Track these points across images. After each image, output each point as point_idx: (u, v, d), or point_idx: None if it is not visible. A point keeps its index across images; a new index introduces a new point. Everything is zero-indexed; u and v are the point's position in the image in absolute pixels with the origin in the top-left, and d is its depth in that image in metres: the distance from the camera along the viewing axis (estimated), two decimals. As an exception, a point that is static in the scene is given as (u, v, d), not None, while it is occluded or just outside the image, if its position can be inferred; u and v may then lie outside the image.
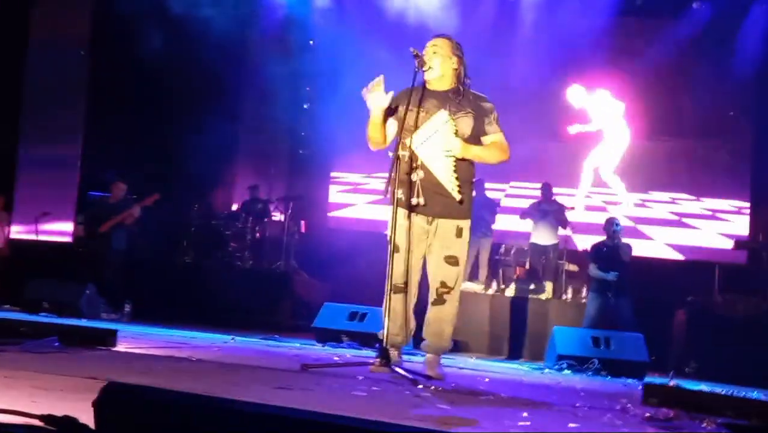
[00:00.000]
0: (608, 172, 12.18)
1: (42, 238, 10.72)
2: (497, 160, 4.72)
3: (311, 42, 12.53)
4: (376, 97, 4.54)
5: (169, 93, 11.70)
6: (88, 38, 12.25)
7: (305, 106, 12.59)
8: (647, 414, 3.53)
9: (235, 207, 12.41)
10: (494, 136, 4.66)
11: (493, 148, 4.66)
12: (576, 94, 12.18)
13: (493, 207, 10.84)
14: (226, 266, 10.96)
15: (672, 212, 12.03)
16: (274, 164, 12.90)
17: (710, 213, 11.83)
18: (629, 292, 9.15)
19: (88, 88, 12.14)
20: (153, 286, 10.11)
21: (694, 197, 11.97)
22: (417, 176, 4.51)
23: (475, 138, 4.63)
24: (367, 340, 7.11)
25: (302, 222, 11.63)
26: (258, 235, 11.31)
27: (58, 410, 1.77)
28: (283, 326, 9.83)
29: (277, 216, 11.69)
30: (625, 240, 9.38)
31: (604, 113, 12.18)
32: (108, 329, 4.49)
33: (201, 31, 10.71)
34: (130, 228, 9.74)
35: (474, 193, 4.75)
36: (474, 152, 4.58)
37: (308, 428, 1.49)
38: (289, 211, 11.42)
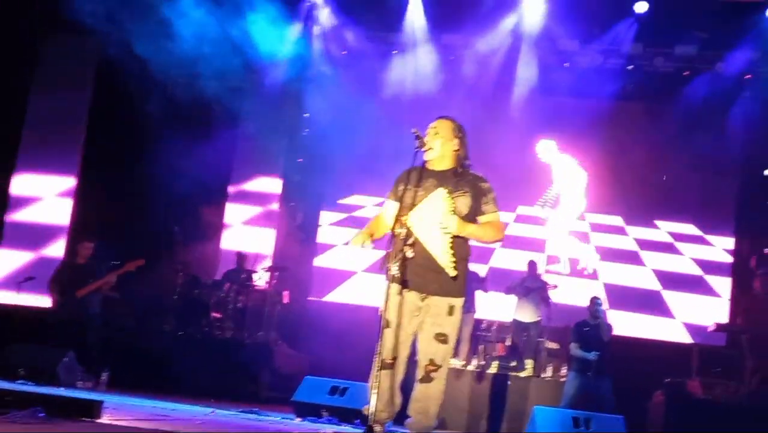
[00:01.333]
0: (563, 236, 12.37)
1: (23, 303, 10.61)
2: (491, 240, 4.83)
3: (306, 115, 12.69)
4: (365, 246, 4.73)
5: (157, 156, 11.79)
6: (89, 107, 12.49)
7: (296, 178, 12.69)
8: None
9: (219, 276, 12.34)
10: (490, 216, 4.75)
11: (488, 227, 4.74)
12: (544, 149, 12.43)
13: (476, 281, 10.83)
14: (205, 336, 10.85)
15: (656, 271, 12.11)
16: (263, 233, 12.89)
17: (698, 275, 11.94)
18: (609, 372, 9.17)
19: (82, 156, 12.32)
20: (130, 354, 9.96)
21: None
22: (410, 253, 4.55)
23: (472, 217, 4.71)
24: (347, 415, 7.06)
25: (285, 292, 11.57)
26: (240, 304, 11.22)
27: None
28: (261, 397, 9.72)
29: (261, 285, 11.62)
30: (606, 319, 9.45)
31: (565, 175, 12.42)
32: (93, 400, 4.43)
33: (195, 99, 10.82)
34: (108, 293, 9.64)
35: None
36: (469, 230, 4.64)
37: None
38: (273, 281, 11.39)
